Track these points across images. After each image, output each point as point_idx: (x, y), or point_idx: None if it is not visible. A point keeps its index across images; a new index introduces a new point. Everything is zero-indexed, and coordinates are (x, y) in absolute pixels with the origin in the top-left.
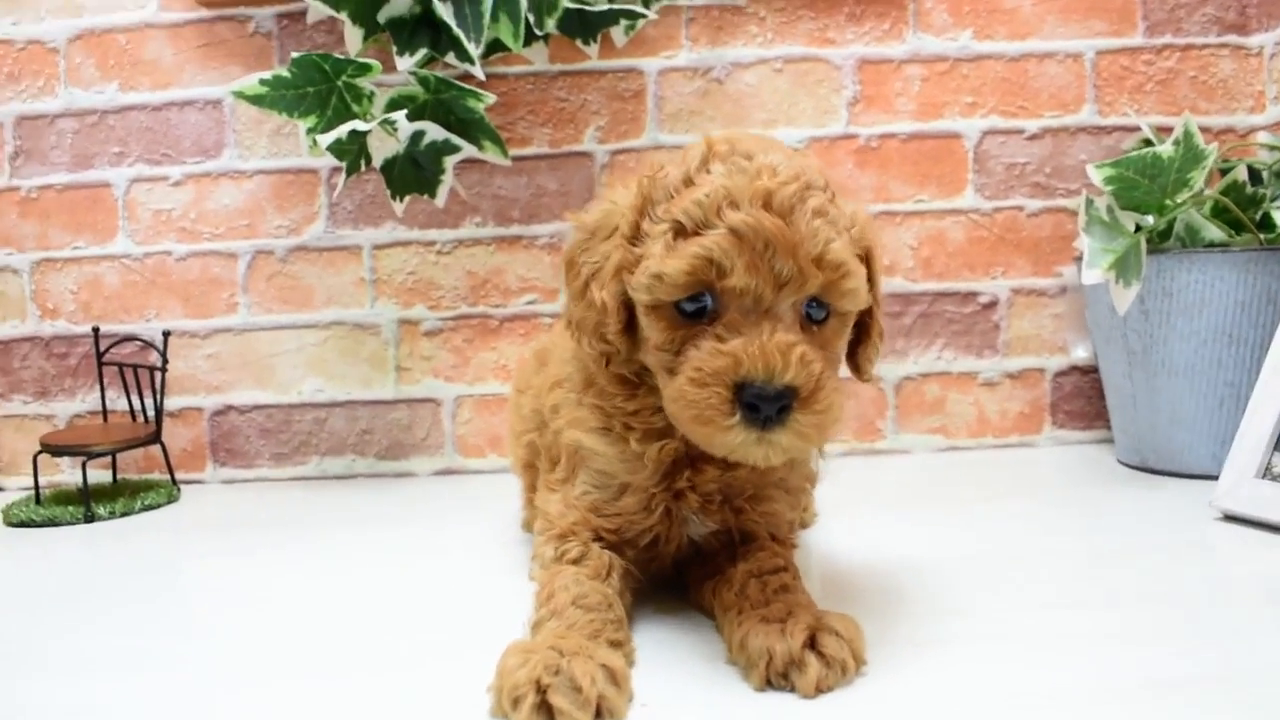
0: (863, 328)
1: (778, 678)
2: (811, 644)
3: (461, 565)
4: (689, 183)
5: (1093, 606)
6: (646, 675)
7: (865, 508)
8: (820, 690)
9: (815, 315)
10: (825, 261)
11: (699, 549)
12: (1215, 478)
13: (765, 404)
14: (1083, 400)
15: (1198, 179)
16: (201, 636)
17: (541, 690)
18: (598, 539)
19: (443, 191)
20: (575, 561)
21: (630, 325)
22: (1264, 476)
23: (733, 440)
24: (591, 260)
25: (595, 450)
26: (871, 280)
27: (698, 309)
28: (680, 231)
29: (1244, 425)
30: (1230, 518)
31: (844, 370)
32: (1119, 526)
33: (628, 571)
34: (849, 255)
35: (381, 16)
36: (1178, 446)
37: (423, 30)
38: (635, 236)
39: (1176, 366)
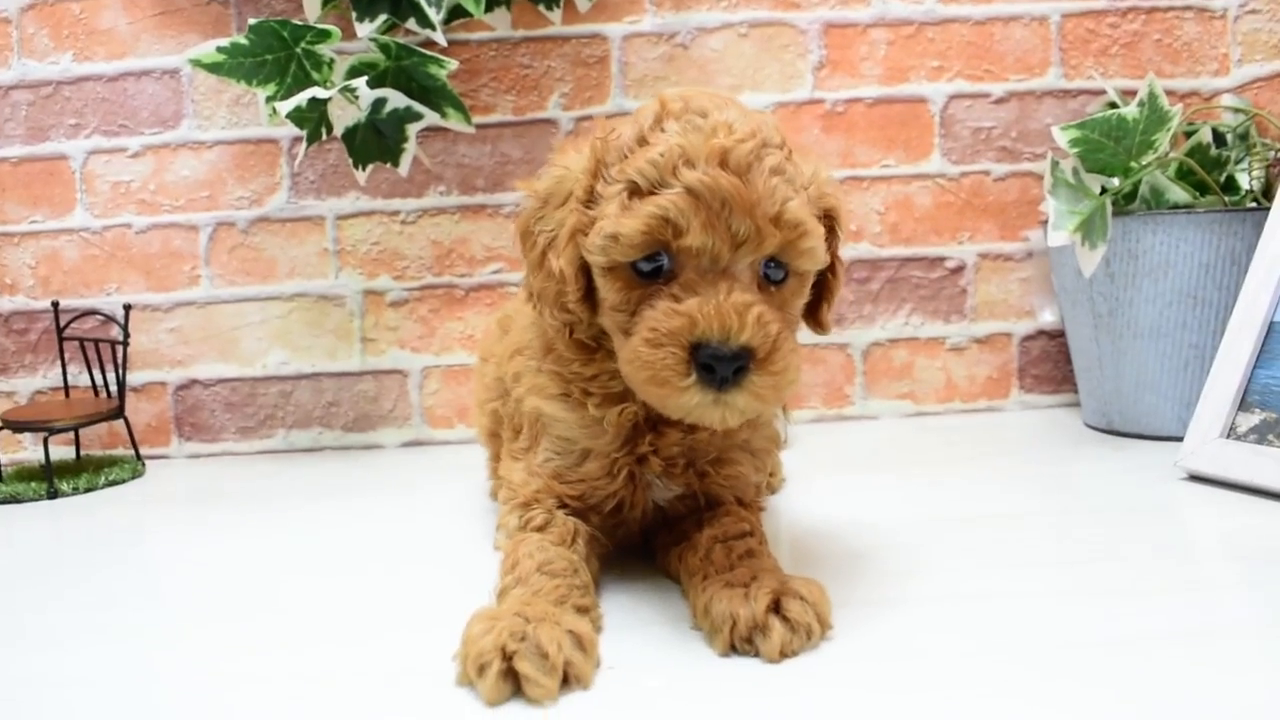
0: (823, 286)
1: (742, 643)
2: (776, 608)
3: (429, 535)
4: (643, 142)
5: (1059, 565)
6: (613, 640)
7: (834, 473)
8: (785, 655)
9: (773, 275)
10: (783, 220)
11: (665, 514)
12: (1181, 439)
13: (721, 365)
14: (1050, 364)
15: (1162, 141)
16: (168, 610)
17: (508, 657)
18: (562, 506)
19: (406, 160)
20: (540, 529)
21: (590, 292)
22: (1228, 436)
23: (688, 402)
24: (547, 229)
25: (555, 417)
26: (830, 240)
27: (654, 269)
28: (635, 191)
29: (1208, 386)
30: (1195, 478)
31: (805, 333)
32: (1085, 488)
33: (593, 538)
34: (807, 214)
35: None
36: (1144, 409)
37: None
38: (590, 200)
39: (1142, 329)
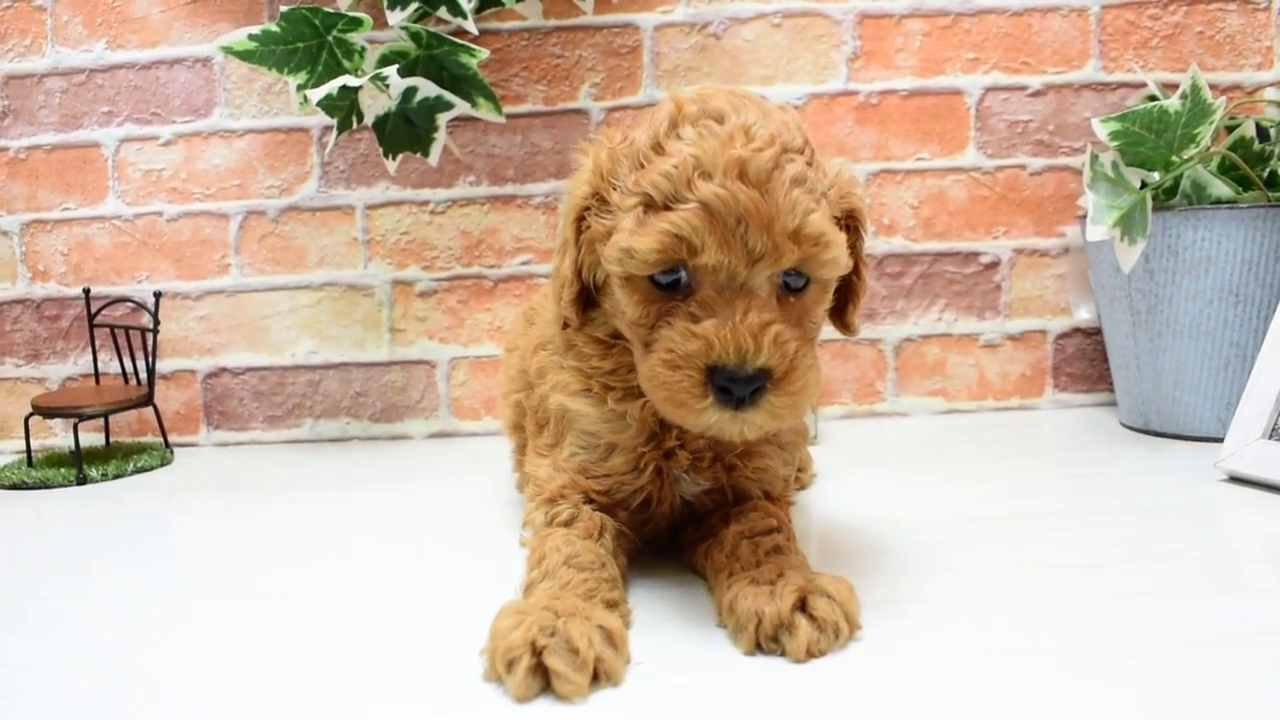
0: (848, 288)
1: (768, 641)
2: (802, 606)
3: (456, 527)
4: (658, 149)
5: (1094, 567)
6: (641, 636)
7: (865, 469)
8: (812, 654)
9: (794, 284)
10: (803, 235)
11: (693, 509)
12: (1220, 440)
13: (737, 387)
14: (1085, 363)
15: (1205, 134)
16: (194, 596)
17: (537, 652)
18: (589, 501)
19: (436, 149)
20: (567, 524)
21: (586, 297)
22: (1270, 437)
23: (707, 420)
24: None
25: (580, 412)
26: (854, 242)
27: (672, 281)
28: (650, 204)
29: (1250, 385)
30: (1235, 479)
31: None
32: (1121, 488)
33: (620, 533)
34: (828, 225)
35: None
36: (1182, 408)
37: None
38: (599, 208)
39: (1182, 326)
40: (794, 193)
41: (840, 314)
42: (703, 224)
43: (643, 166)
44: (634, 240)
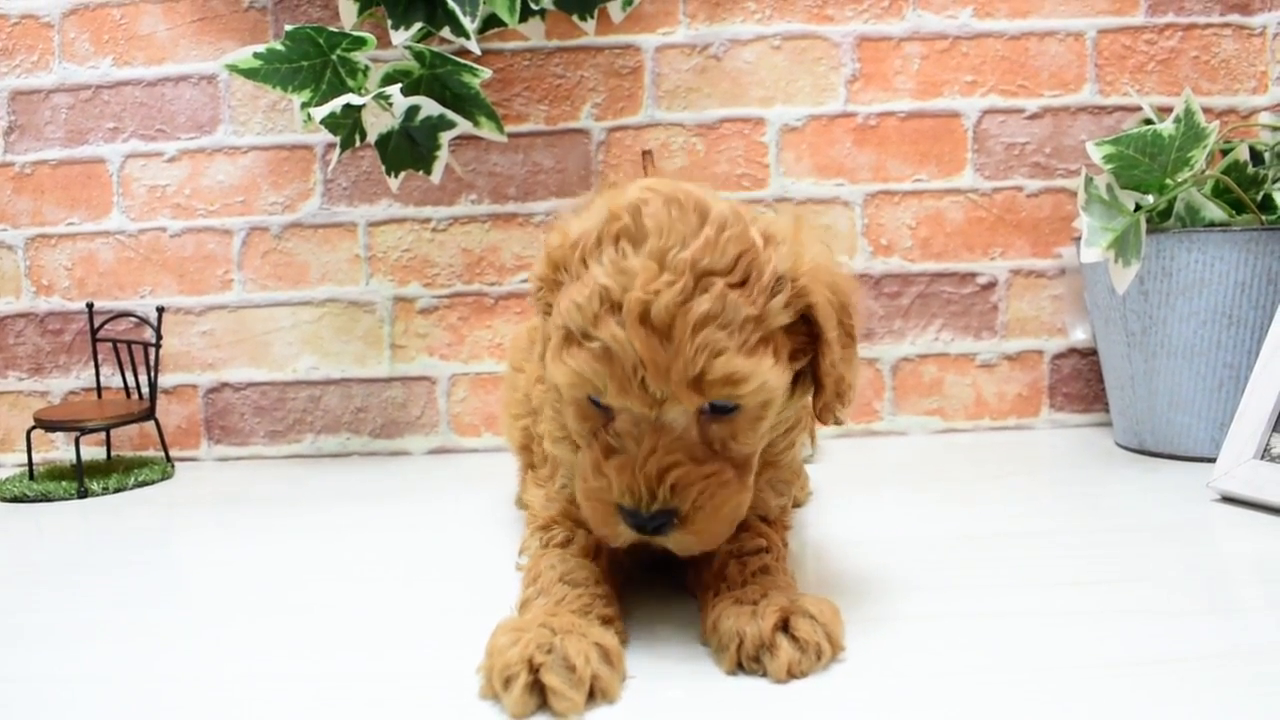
0: (819, 382)
1: (749, 661)
2: (784, 627)
3: (455, 543)
4: (584, 264)
5: (1087, 585)
6: (635, 650)
7: (861, 488)
8: (793, 675)
9: (722, 408)
10: (706, 381)
11: None
12: (1214, 460)
13: (642, 522)
14: (1081, 383)
15: (1198, 158)
16: (194, 610)
17: (534, 669)
18: (581, 526)
19: (438, 168)
20: (562, 545)
21: None
22: (1262, 458)
23: (627, 539)
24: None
25: (563, 459)
26: (821, 332)
27: (606, 405)
28: (568, 334)
29: (1243, 406)
30: (1228, 499)
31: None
32: (1116, 507)
33: (615, 552)
34: (741, 361)
35: None
36: (1176, 429)
37: (418, 4)
38: (553, 295)
39: (1175, 348)
40: (701, 335)
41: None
42: (603, 368)
43: (576, 279)
44: (551, 369)
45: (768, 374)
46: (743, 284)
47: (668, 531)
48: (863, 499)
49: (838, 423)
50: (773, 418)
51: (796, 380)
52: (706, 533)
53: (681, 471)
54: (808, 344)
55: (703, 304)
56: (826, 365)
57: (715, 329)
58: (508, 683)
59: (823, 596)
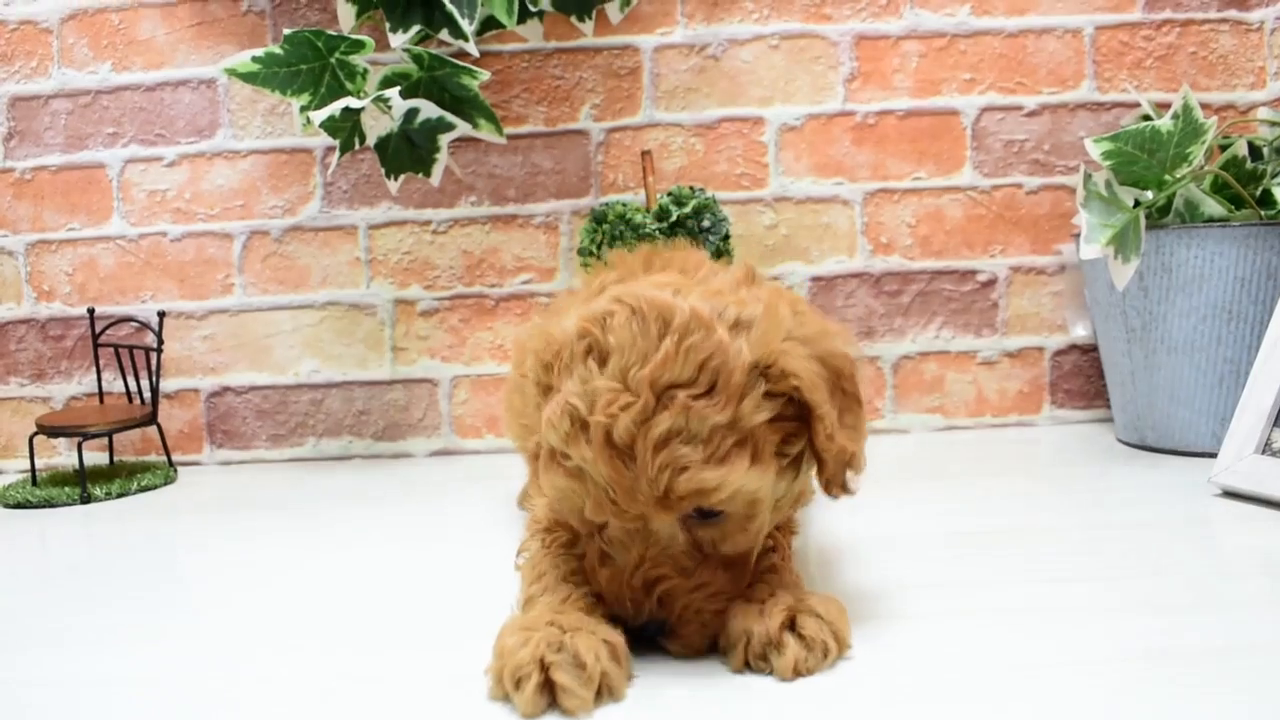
0: (819, 458)
1: (756, 660)
2: (791, 625)
3: (458, 546)
4: (560, 379)
5: (1089, 580)
6: (639, 650)
7: (863, 487)
8: (800, 673)
9: (707, 513)
10: (673, 498)
11: None
12: (1215, 456)
13: (633, 631)
14: (1082, 379)
15: (1197, 153)
16: (199, 614)
17: (545, 668)
18: None
19: (438, 170)
20: (565, 547)
21: None
22: (1263, 452)
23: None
24: None
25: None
26: (810, 408)
27: None
28: (553, 454)
29: (1243, 400)
30: (1229, 494)
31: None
32: (1117, 503)
33: None
34: (711, 473)
35: None
36: (1177, 424)
37: (416, 7)
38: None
39: (1176, 343)
40: (663, 454)
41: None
42: (579, 488)
43: (557, 389)
44: (544, 481)
45: (742, 480)
46: (709, 392)
47: (659, 638)
48: (863, 497)
49: (848, 493)
50: (765, 516)
51: (801, 458)
52: (696, 641)
53: (669, 585)
54: (799, 425)
55: (663, 422)
56: (822, 440)
57: (678, 445)
58: (519, 683)
59: (829, 595)
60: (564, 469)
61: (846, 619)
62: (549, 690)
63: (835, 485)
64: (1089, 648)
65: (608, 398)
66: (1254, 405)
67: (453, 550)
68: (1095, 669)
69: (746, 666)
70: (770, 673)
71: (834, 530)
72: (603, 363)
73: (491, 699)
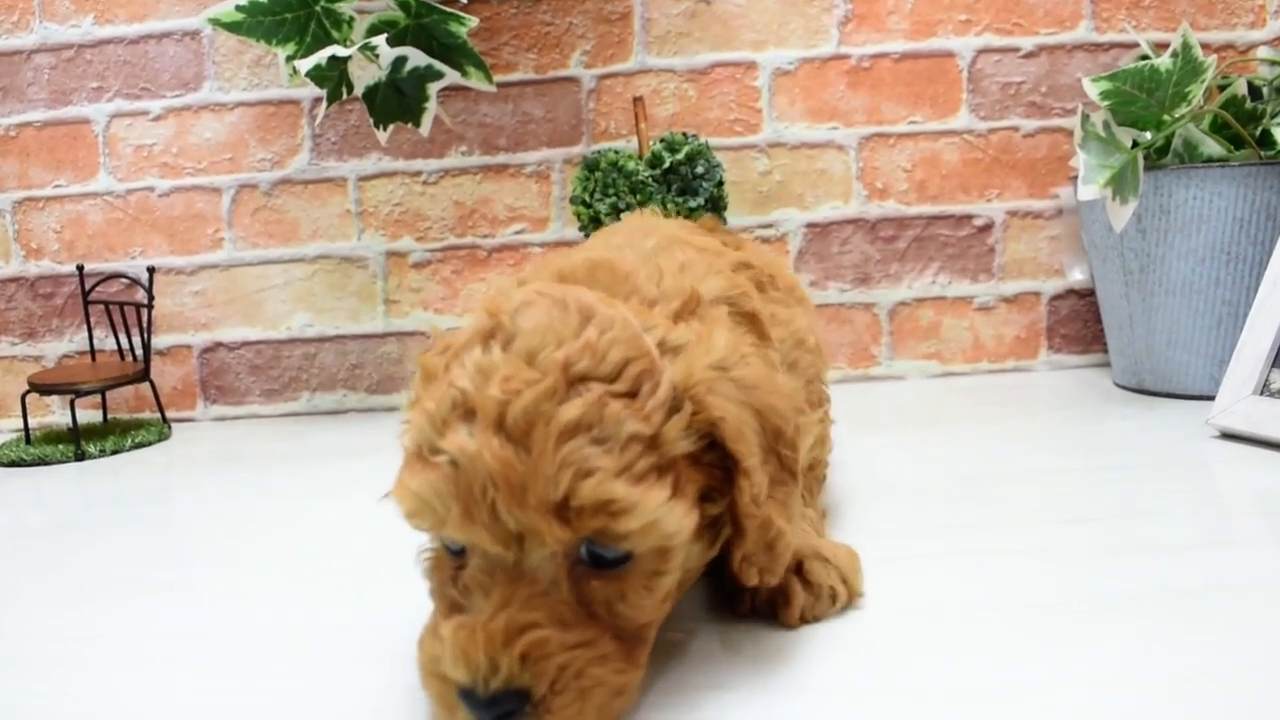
0: (737, 526)
1: (763, 604)
2: (798, 570)
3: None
4: (446, 369)
5: (1089, 522)
6: None
7: (860, 433)
8: (805, 620)
9: (606, 556)
10: (572, 508)
11: None
12: (1213, 398)
13: (480, 712)
14: (1079, 324)
15: (1196, 93)
16: (194, 569)
17: None
18: None
19: (427, 120)
20: None
21: None
22: (1261, 393)
23: None
24: None
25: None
26: (736, 459)
27: (459, 547)
28: (419, 452)
29: (1242, 341)
30: (1227, 435)
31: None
32: (1114, 446)
33: None
34: (624, 486)
35: None
36: (1175, 367)
37: None
38: None
39: (1174, 285)
40: (567, 446)
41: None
42: (447, 489)
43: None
44: (395, 494)
45: (660, 510)
46: (630, 395)
47: None
48: (862, 444)
49: (765, 586)
50: (675, 576)
51: (719, 526)
52: None
53: (538, 636)
54: (725, 481)
55: (572, 409)
56: (745, 503)
57: (587, 442)
58: None
59: (841, 543)
60: (431, 469)
61: (858, 566)
62: None
63: (750, 567)
64: (1089, 588)
65: (505, 373)
66: (1252, 347)
67: None
68: (1096, 608)
69: (754, 612)
70: (775, 617)
71: (831, 477)
72: (506, 345)
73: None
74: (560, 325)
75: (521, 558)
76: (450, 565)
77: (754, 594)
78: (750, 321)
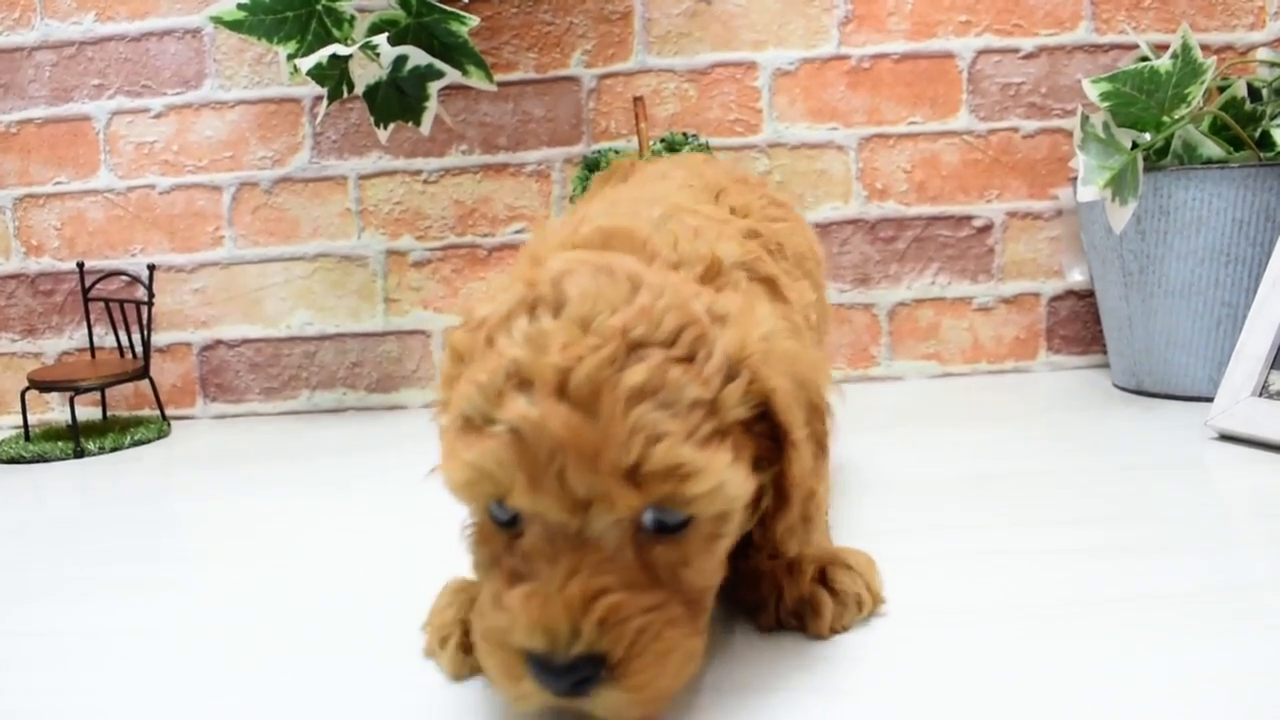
0: (781, 493)
1: (789, 617)
2: (822, 579)
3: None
4: (491, 342)
5: (1087, 523)
6: None
7: (860, 434)
8: (835, 630)
9: (668, 522)
10: (644, 473)
11: None
12: (1212, 399)
13: (554, 680)
14: (1079, 325)
15: (1196, 94)
16: (192, 567)
17: (467, 628)
18: None
19: (427, 118)
20: None
21: None
22: (1260, 395)
23: (534, 702)
24: None
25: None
26: (786, 431)
27: (510, 518)
28: (468, 423)
29: (1240, 344)
30: (1226, 437)
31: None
32: (1114, 447)
33: None
34: (689, 450)
35: None
36: (1174, 368)
37: None
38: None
39: (1173, 287)
40: (636, 411)
41: (773, 519)
42: (510, 458)
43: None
44: (446, 470)
45: (725, 473)
46: (688, 360)
47: (592, 690)
48: (861, 444)
49: (789, 595)
50: (733, 536)
51: (760, 496)
52: (649, 689)
53: (615, 600)
54: (772, 450)
55: (637, 374)
56: (795, 474)
57: (654, 407)
58: (443, 642)
59: (857, 549)
60: (489, 439)
61: (876, 571)
62: (470, 649)
63: (792, 537)
64: (1088, 589)
65: (563, 340)
66: (1250, 348)
67: (447, 501)
68: (1094, 610)
69: (778, 624)
70: (802, 630)
71: (831, 477)
72: (557, 313)
73: (425, 656)
74: (611, 292)
75: (585, 525)
76: (502, 539)
77: (779, 606)
78: (768, 284)
